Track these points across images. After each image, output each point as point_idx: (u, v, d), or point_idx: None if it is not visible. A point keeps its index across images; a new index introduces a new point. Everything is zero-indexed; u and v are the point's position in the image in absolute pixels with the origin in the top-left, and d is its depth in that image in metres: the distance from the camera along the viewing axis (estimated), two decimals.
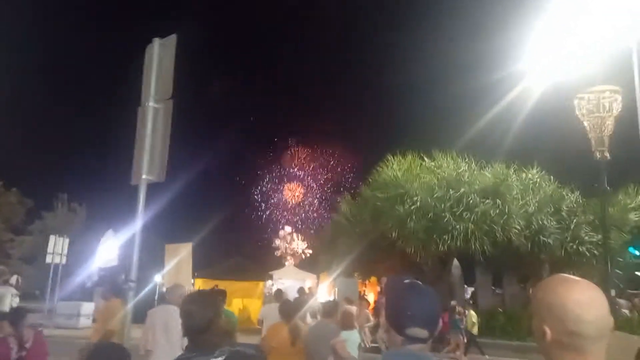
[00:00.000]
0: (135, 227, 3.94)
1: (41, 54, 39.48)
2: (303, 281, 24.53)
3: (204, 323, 2.44)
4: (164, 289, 17.98)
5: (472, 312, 12.58)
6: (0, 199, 22.06)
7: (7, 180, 22.58)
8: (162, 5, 53.00)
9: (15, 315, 4.01)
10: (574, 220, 14.36)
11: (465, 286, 20.42)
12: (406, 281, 1.70)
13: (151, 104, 3.62)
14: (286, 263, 27.84)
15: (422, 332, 1.55)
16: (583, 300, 1.20)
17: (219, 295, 5.79)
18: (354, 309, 7.04)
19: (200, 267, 20.03)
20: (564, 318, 1.20)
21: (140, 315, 4.44)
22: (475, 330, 12.29)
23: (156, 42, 3.75)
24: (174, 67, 3.66)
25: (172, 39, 3.73)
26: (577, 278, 1.27)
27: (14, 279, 17.17)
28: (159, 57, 3.69)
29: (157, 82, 3.66)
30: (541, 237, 13.87)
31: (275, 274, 24.88)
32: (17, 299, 14.69)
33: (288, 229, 35.93)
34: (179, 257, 8.46)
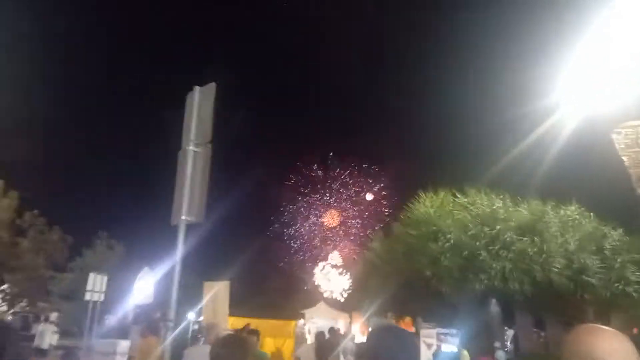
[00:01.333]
0: (173, 266, 4.07)
1: (85, 96, 41.85)
2: (335, 320, 24.16)
3: None
4: (196, 327, 18.03)
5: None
6: (44, 236, 22.93)
7: (50, 218, 23.60)
8: (197, 54, 55.62)
9: (69, 356, 4.19)
10: (618, 260, 13.69)
11: (506, 328, 19.60)
12: (384, 325, 1.75)
13: (191, 147, 3.83)
14: (320, 303, 27.48)
15: None
16: (611, 349, 1.26)
17: (253, 336, 5.80)
18: None
19: (232, 305, 20.01)
20: None
21: (174, 353, 4.51)
22: None
23: (196, 89, 4.00)
24: (212, 113, 3.88)
25: (212, 86, 3.97)
26: (606, 328, 1.32)
27: (54, 316, 17.69)
28: (199, 104, 3.92)
29: (197, 127, 3.88)
30: (584, 277, 13.26)
31: (307, 312, 24.62)
32: (56, 336, 15.09)
33: (324, 270, 35.58)
34: (216, 295, 8.55)
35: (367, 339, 1.82)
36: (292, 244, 41.91)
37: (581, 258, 13.39)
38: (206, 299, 9.06)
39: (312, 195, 43.18)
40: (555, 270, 12.98)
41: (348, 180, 43.33)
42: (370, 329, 1.84)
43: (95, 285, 16.52)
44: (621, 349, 1.26)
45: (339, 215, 42.55)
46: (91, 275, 16.89)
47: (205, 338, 5.39)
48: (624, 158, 8.73)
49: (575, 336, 1.36)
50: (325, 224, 42.38)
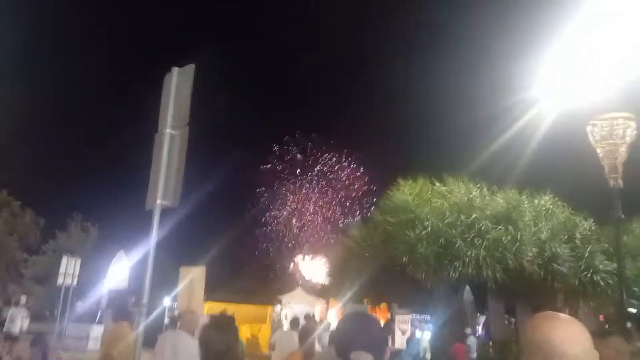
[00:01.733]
0: (148, 250, 3.98)
1: (58, 76, 40.61)
2: (312, 306, 24.36)
3: (222, 349, 2.47)
4: (176, 313, 17.96)
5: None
6: (17, 219, 22.34)
7: (23, 200, 22.96)
8: (178, 35, 54.51)
9: (40, 341, 4.10)
10: (588, 249, 14.09)
11: (478, 314, 20.05)
12: (353, 312, 1.82)
13: (168, 130, 3.72)
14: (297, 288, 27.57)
15: (367, 357, 1.58)
16: (567, 335, 1.30)
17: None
18: None
19: (208, 290, 19.99)
20: (550, 354, 1.30)
21: (149, 339, 4.44)
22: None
23: (175, 70, 3.87)
24: (190, 95, 3.77)
25: (190, 68, 3.85)
26: (562, 315, 1.37)
27: (23, 299, 17.29)
28: (177, 86, 3.80)
29: (174, 109, 3.76)
30: (555, 265, 13.62)
31: (284, 298, 24.72)
32: (27, 320, 14.76)
33: (301, 256, 35.74)
34: (192, 281, 8.46)
35: (336, 325, 1.86)
36: (269, 229, 41.88)
37: (552, 247, 13.73)
38: (182, 284, 8.95)
39: (290, 181, 43.11)
40: (527, 258, 13.29)
41: (327, 167, 43.38)
42: (341, 317, 1.90)
43: (68, 268, 16.21)
44: (577, 335, 1.31)
45: (317, 201, 42.65)
46: (64, 259, 16.56)
47: (180, 324, 5.32)
48: (598, 150, 8.90)
49: (533, 324, 1.39)
50: (303, 209, 42.44)
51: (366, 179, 42.20)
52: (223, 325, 2.64)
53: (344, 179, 42.91)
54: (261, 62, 59.27)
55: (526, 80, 11.34)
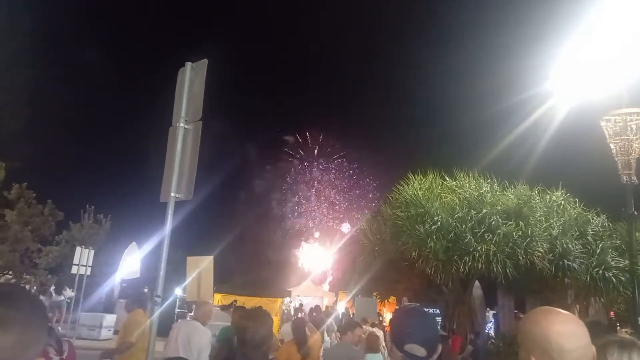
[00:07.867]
0: (161, 242, 4.06)
1: (75, 70, 40.99)
2: (321, 299, 24.46)
3: (258, 339, 2.51)
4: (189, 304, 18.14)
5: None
6: (32, 210, 22.61)
7: (38, 191, 23.20)
8: (193, 30, 54.72)
9: (51, 330, 4.17)
10: (600, 245, 13.97)
11: (488, 309, 20.02)
12: (410, 306, 1.88)
13: (182, 124, 3.78)
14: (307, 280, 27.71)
15: (420, 350, 1.66)
16: (565, 331, 1.31)
17: (240, 312, 5.86)
18: (379, 331, 7.02)
19: (218, 281, 20.18)
20: (548, 348, 1.32)
21: (160, 328, 4.53)
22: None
23: (188, 65, 3.93)
24: (204, 90, 3.83)
25: (203, 63, 3.90)
26: (560, 310, 1.37)
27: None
28: (190, 80, 3.86)
29: (187, 104, 3.82)
30: (565, 262, 13.52)
31: (294, 290, 24.87)
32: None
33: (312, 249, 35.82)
34: (200, 271, 8.49)
35: (393, 318, 1.93)
36: (281, 223, 42.02)
37: (564, 242, 13.63)
38: (190, 274, 8.96)
39: (299, 174, 43.17)
40: (538, 254, 13.22)
41: (337, 160, 43.34)
42: (396, 310, 1.98)
43: (82, 259, 16.47)
44: (574, 331, 1.32)
45: (324, 194, 42.69)
46: (78, 249, 16.83)
47: (194, 314, 5.44)
48: (611, 146, 8.81)
49: (532, 318, 1.39)
50: (314, 202, 42.49)
51: (375, 173, 42.10)
52: (259, 318, 2.68)
53: (352, 174, 42.89)
54: (270, 52, 59.33)
55: (538, 75, 11.24)
